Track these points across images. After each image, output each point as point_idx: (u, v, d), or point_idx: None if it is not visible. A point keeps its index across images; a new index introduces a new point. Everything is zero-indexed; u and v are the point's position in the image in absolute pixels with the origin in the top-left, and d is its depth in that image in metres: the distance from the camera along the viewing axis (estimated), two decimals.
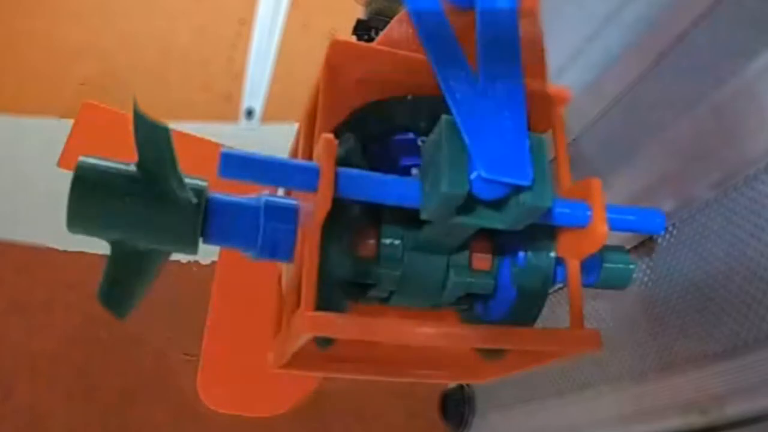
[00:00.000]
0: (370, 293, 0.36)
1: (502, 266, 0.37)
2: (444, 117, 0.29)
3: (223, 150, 0.29)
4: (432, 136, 0.30)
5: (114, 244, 0.32)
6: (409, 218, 0.33)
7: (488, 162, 0.27)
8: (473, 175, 0.28)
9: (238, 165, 0.29)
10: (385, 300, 0.37)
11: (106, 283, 0.33)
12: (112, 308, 0.33)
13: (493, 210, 0.29)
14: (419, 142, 0.37)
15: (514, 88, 0.31)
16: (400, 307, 0.38)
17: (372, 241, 0.35)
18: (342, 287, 0.34)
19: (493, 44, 0.32)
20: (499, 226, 0.30)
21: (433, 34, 0.33)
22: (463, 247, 0.35)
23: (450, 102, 0.30)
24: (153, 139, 0.30)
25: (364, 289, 0.36)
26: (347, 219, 0.33)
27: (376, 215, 0.35)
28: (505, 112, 0.30)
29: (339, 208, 0.30)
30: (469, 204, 0.29)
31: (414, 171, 0.38)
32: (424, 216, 0.30)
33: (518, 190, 0.28)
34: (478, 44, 0.32)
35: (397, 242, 0.35)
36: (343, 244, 0.33)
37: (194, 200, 0.32)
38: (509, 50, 0.32)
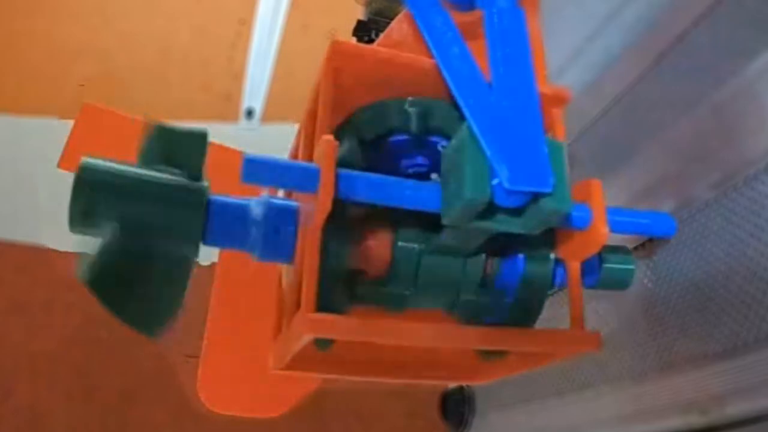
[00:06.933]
0: (383, 296, 0.36)
1: (502, 267, 0.37)
2: (466, 123, 0.30)
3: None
4: (453, 142, 0.30)
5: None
6: (425, 221, 0.34)
7: (509, 172, 0.28)
8: (495, 182, 0.28)
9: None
10: (399, 304, 0.36)
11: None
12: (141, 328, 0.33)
13: (513, 215, 0.30)
14: (439, 148, 0.37)
15: (527, 94, 0.31)
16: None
17: (387, 245, 0.35)
18: (345, 290, 0.34)
19: (503, 49, 0.32)
20: (518, 230, 0.30)
21: (441, 38, 0.33)
22: (479, 250, 0.35)
23: (465, 111, 0.30)
24: (185, 144, 0.31)
25: (374, 293, 0.36)
26: (350, 220, 0.33)
27: (390, 218, 0.35)
28: (521, 119, 0.30)
29: (340, 209, 0.30)
30: (489, 209, 0.29)
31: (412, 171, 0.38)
32: (445, 221, 0.30)
33: (538, 195, 0.28)
34: (488, 49, 0.32)
35: (413, 245, 0.35)
36: (344, 246, 0.33)
37: (194, 201, 0.32)
38: (520, 55, 0.32)
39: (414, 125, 0.37)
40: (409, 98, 0.37)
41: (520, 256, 0.36)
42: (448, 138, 0.37)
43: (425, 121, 0.37)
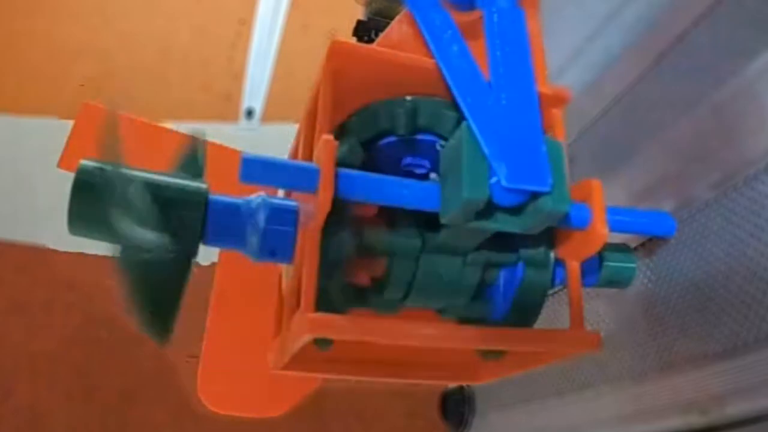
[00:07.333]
0: (383, 296, 0.36)
1: (501, 270, 0.37)
2: (464, 123, 0.30)
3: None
4: (451, 142, 0.30)
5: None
6: (424, 221, 0.33)
7: (508, 171, 0.28)
8: (493, 180, 0.28)
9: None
10: (398, 303, 0.36)
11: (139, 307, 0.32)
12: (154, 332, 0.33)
13: (511, 214, 0.30)
14: (438, 147, 0.37)
15: (527, 94, 0.31)
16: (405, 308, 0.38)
17: (386, 244, 0.35)
18: (346, 291, 0.34)
19: (503, 49, 0.32)
20: (516, 230, 0.30)
21: (441, 38, 0.33)
22: (478, 248, 0.35)
23: (465, 110, 0.30)
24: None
25: (375, 293, 0.36)
26: (349, 219, 0.33)
27: (390, 218, 0.35)
28: (520, 118, 0.30)
29: (340, 209, 0.30)
30: (488, 208, 0.29)
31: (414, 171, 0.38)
32: (443, 220, 0.30)
33: (536, 195, 0.28)
34: (488, 49, 0.32)
35: (412, 244, 0.35)
36: (344, 246, 0.33)
37: (195, 201, 0.32)
38: (520, 55, 0.32)
39: (410, 126, 0.37)
40: (406, 98, 0.37)
41: (520, 262, 0.36)
42: (445, 138, 0.37)
43: (421, 121, 0.37)
